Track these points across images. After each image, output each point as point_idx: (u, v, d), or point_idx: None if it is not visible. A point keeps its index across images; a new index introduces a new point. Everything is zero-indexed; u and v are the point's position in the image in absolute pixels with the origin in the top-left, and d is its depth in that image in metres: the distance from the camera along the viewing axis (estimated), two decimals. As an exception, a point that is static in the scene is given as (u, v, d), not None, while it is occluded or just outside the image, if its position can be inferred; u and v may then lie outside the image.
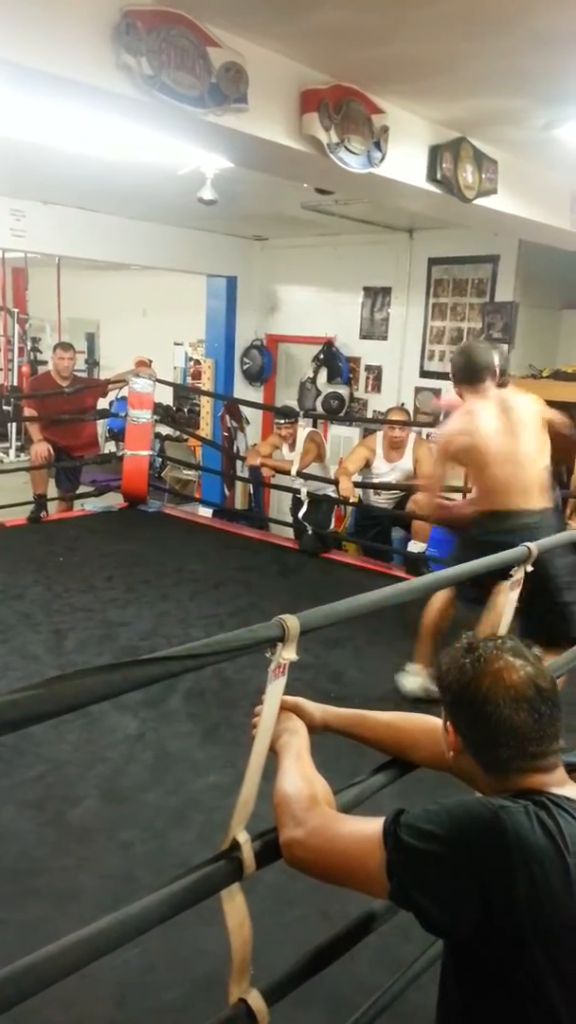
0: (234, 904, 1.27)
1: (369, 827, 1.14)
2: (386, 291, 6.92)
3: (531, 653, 1.22)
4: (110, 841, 2.46)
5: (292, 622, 1.25)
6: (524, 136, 3.61)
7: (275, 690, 1.27)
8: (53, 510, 6.39)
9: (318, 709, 1.44)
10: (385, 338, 6.97)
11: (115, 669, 1.07)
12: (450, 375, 3.36)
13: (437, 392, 6.60)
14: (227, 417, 7.66)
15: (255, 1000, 1.30)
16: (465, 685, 1.19)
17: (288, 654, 1.25)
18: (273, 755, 1.32)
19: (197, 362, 9.02)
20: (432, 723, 1.42)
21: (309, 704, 1.44)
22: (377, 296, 6.99)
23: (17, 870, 2.30)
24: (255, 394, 7.94)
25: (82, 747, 2.95)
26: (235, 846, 1.25)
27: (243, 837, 1.25)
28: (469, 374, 3.21)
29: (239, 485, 7.62)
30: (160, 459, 8.13)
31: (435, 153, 3.51)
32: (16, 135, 3.82)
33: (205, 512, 7.20)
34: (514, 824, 1.05)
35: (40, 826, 2.52)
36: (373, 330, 7.05)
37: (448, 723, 1.22)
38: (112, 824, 2.54)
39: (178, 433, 8.38)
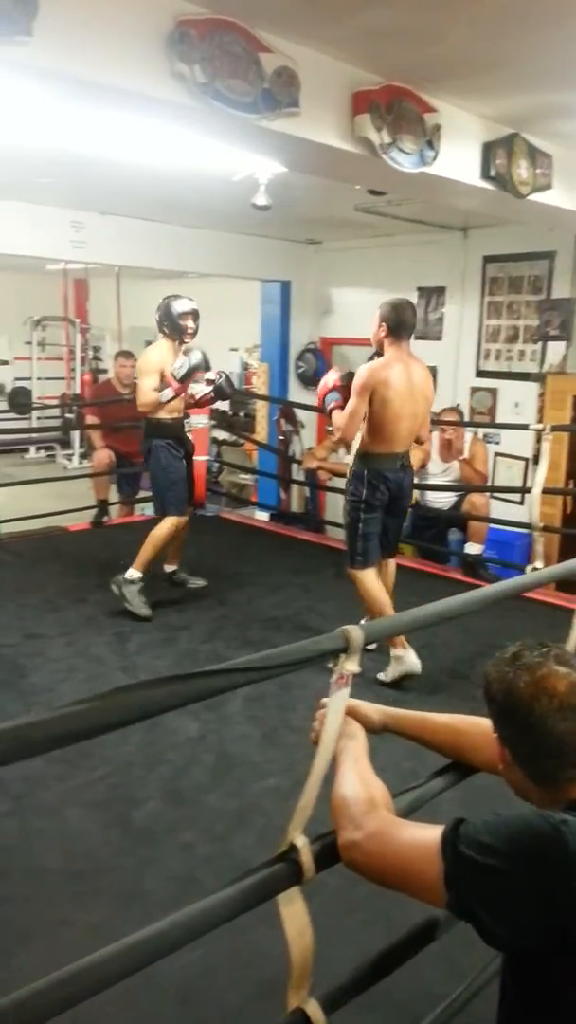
0: (293, 909, 1.26)
1: (428, 835, 1.12)
2: (440, 290, 6.85)
3: None
4: (172, 843, 2.48)
5: (355, 633, 1.23)
6: (579, 129, 3.54)
7: (338, 701, 1.26)
8: (115, 514, 6.50)
9: (377, 711, 1.43)
10: (440, 338, 6.90)
11: (179, 680, 1.08)
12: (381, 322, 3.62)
13: (493, 392, 6.51)
14: (283, 421, 7.68)
15: (313, 1010, 1.28)
16: (508, 695, 1.16)
17: (351, 666, 1.23)
18: (332, 760, 1.32)
19: (251, 366, 9.07)
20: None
21: (367, 706, 1.43)
22: (431, 296, 6.92)
23: (82, 871, 2.35)
24: (310, 397, 7.91)
25: (145, 749, 3.00)
26: (292, 849, 1.25)
27: (301, 841, 1.25)
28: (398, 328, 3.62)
29: (295, 488, 7.63)
30: (217, 464, 8.20)
31: (488, 150, 3.46)
32: (74, 147, 3.90)
33: (262, 516, 7.23)
34: (575, 839, 1.03)
35: (104, 827, 2.56)
36: (428, 330, 6.98)
37: (497, 735, 1.20)
38: (174, 826, 2.57)
39: (235, 438, 8.44)
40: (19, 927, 2.10)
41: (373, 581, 3.73)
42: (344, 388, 3.71)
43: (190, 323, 4.30)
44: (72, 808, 2.64)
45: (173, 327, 4.28)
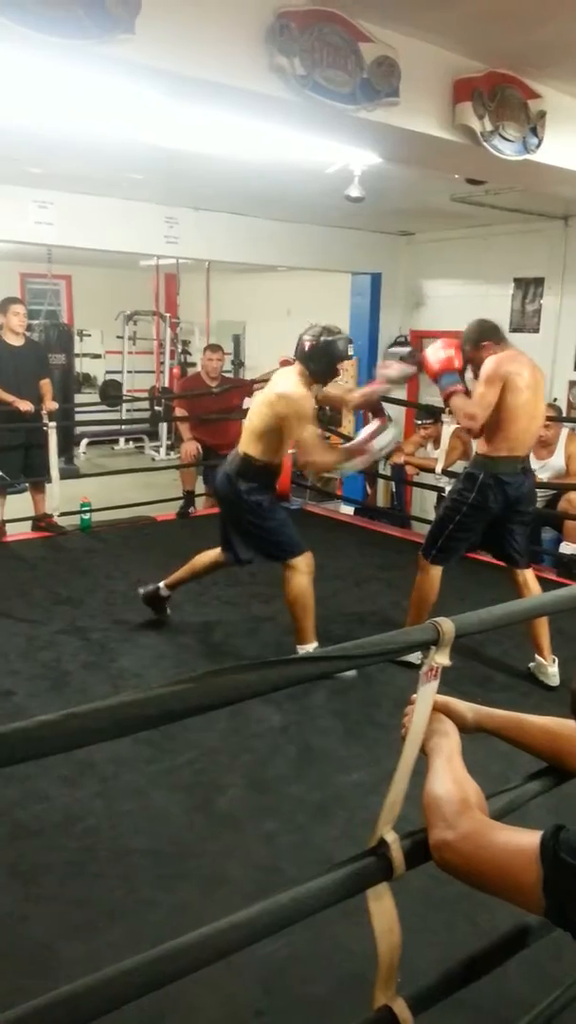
0: (382, 905, 1.24)
1: (525, 839, 1.09)
2: (538, 281, 6.67)
3: None
4: (255, 831, 2.50)
5: (447, 625, 1.21)
6: None
7: (427, 694, 1.24)
8: (200, 506, 6.60)
9: (470, 709, 1.40)
10: (537, 330, 6.72)
11: (271, 666, 1.08)
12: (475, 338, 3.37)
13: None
14: (370, 415, 7.62)
15: (400, 1009, 1.26)
16: None
17: (441, 658, 1.21)
18: (423, 756, 1.30)
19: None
20: None
21: (460, 704, 1.40)
22: (529, 287, 6.74)
23: (167, 853, 2.39)
24: (399, 391, 7.84)
25: (229, 736, 3.03)
26: (383, 845, 1.24)
27: (391, 836, 1.23)
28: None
29: (381, 483, 7.58)
30: (303, 457, 8.21)
31: (595, 135, 3.34)
32: (169, 143, 3.96)
33: (347, 510, 7.21)
34: None
35: (189, 811, 2.60)
36: (524, 322, 6.80)
37: None
38: (257, 814, 2.59)
39: (321, 431, 8.43)
40: (107, 905, 2.16)
41: (435, 581, 3.56)
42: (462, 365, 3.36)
43: (345, 369, 3.64)
44: (158, 791, 2.70)
45: (326, 369, 3.51)
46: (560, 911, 1.03)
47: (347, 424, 7.97)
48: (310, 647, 3.61)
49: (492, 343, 3.32)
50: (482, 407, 3.23)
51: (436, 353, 3.39)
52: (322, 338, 3.45)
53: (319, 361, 3.46)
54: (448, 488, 5.56)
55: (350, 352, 3.59)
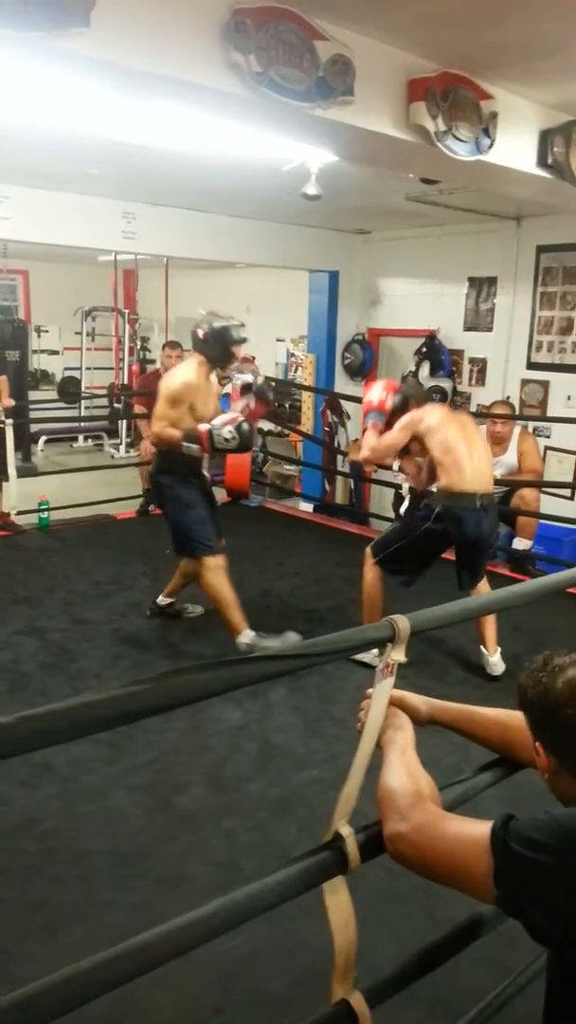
0: (338, 899, 1.25)
1: (477, 830, 1.11)
2: (492, 281, 6.75)
3: None
4: (215, 829, 2.50)
5: (403, 623, 1.22)
6: None
7: (383, 690, 1.26)
8: (160, 504, 6.56)
9: (424, 702, 1.42)
10: (490, 329, 6.81)
11: (228, 665, 1.08)
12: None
13: (545, 384, 6.39)
14: (328, 412, 7.66)
15: (357, 1002, 1.27)
16: (545, 697, 1.15)
17: (397, 655, 1.23)
18: (378, 750, 1.31)
19: (297, 357, 9.06)
20: None
21: (414, 697, 1.42)
22: (482, 286, 6.83)
23: (126, 853, 2.38)
24: (356, 389, 7.89)
25: (189, 735, 3.03)
26: (338, 838, 1.25)
27: (346, 830, 1.24)
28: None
29: (340, 480, 7.62)
30: (262, 455, 8.22)
31: (546, 137, 3.41)
32: (126, 138, 3.92)
33: (305, 507, 7.23)
34: None
35: (149, 811, 2.59)
36: (478, 321, 6.89)
37: (537, 744, 1.18)
38: (217, 812, 2.59)
39: (280, 429, 8.45)
40: (65, 906, 2.14)
41: (377, 580, 3.72)
42: (391, 413, 3.59)
43: (239, 353, 3.81)
44: (117, 792, 2.68)
45: (222, 354, 3.69)
46: (511, 900, 1.06)
47: (306, 422, 8.00)
48: (245, 638, 3.65)
49: (415, 403, 3.62)
50: (382, 446, 3.58)
51: (373, 393, 3.69)
52: (213, 324, 3.68)
53: (214, 347, 3.68)
54: (406, 485, 5.61)
55: (242, 335, 3.73)
